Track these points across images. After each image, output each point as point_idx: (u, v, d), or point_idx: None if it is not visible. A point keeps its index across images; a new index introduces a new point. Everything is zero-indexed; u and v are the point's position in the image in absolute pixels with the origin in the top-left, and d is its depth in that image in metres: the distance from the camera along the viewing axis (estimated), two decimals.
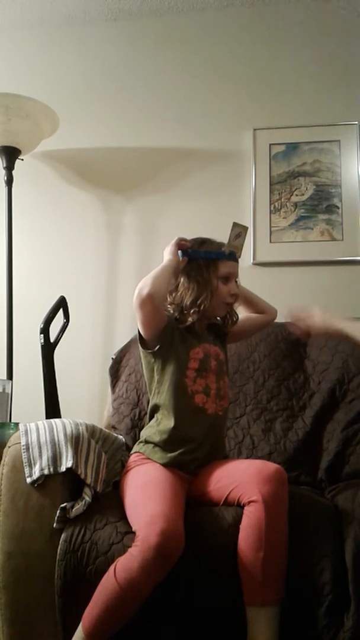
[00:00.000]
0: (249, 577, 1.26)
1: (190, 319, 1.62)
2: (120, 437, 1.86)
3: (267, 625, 1.24)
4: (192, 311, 1.61)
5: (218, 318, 1.74)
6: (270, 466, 1.37)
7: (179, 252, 1.64)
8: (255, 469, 1.38)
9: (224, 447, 1.72)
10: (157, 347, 1.59)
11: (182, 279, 1.65)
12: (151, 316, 1.55)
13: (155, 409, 1.63)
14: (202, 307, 1.61)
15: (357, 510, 1.37)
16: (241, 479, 1.38)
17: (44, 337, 2.14)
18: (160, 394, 1.61)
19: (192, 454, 1.54)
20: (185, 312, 1.63)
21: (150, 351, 1.61)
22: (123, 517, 1.39)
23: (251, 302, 1.82)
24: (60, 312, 2.21)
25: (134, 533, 1.29)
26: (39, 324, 2.15)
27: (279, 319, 2.17)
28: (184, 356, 1.60)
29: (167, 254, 1.64)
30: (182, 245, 1.65)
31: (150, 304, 1.51)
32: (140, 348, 1.64)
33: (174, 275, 1.63)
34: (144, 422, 1.88)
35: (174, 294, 1.65)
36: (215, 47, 2.61)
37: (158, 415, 1.61)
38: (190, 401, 1.57)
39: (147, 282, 1.52)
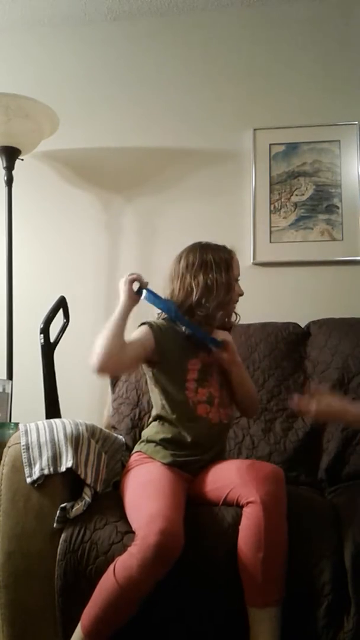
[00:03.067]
0: (249, 578, 1.26)
1: (216, 322, 1.62)
2: (120, 437, 1.86)
3: (268, 625, 1.24)
4: (219, 315, 1.61)
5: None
6: (267, 466, 1.37)
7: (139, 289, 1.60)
8: (252, 469, 1.38)
9: (226, 450, 1.72)
10: (158, 360, 1.60)
11: (199, 281, 1.59)
12: (120, 372, 1.57)
13: (158, 418, 1.62)
14: (227, 310, 1.64)
15: (355, 513, 1.37)
16: (239, 479, 1.38)
17: (44, 337, 2.14)
18: (162, 407, 1.60)
19: (196, 457, 1.54)
20: (213, 317, 1.60)
21: (149, 366, 1.62)
22: (123, 517, 1.39)
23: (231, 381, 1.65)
24: (60, 312, 2.21)
25: (133, 533, 1.29)
26: (39, 324, 2.15)
27: (280, 318, 2.18)
28: (182, 368, 1.59)
29: (121, 292, 1.59)
30: (137, 282, 1.60)
31: (107, 372, 1.54)
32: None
33: (126, 317, 1.56)
34: (144, 422, 1.89)
35: (202, 300, 1.58)
36: (215, 47, 2.61)
37: (161, 422, 1.61)
38: (192, 413, 1.57)
39: (96, 352, 1.47)
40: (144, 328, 1.61)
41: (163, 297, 1.62)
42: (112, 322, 1.53)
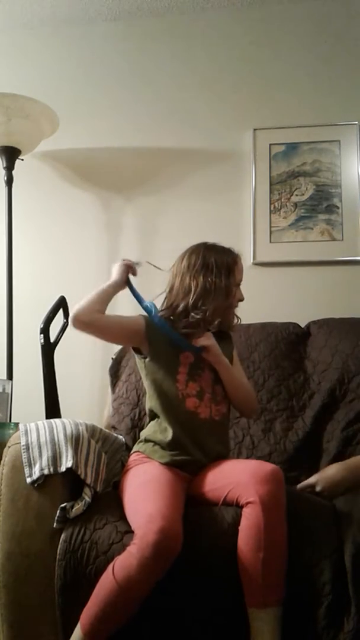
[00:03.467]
0: (249, 578, 1.26)
1: (212, 327, 1.61)
2: (120, 437, 1.86)
3: (268, 626, 1.23)
4: (216, 321, 1.60)
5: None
6: (267, 466, 1.36)
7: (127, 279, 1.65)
8: (251, 469, 1.37)
9: (229, 451, 1.71)
10: (148, 350, 1.60)
11: (199, 283, 1.60)
12: (95, 330, 1.57)
13: (149, 412, 1.63)
14: (226, 315, 1.63)
15: (355, 513, 1.36)
16: (238, 479, 1.37)
17: (44, 337, 2.14)
18: (152, 397, 1.61)
19: (193, 456, 1.53)
20: (209, 321, 1.60)
21: (142, 355, 1.62)
22: (122, 517, 1.39)
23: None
24: (60, 312, 2.21)
25: (133, 532, 1.29)
26: (39, 324, 2.15)
27: (280, 318, 2.18)
28: (174, 360, 1.59)
29: (114, 273, 1.65)
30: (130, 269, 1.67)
31: (82, 324, 1.54)
32: (132, 351, 1.66)
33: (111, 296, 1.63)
34: (144, 422, 1.88)
35: (199, 303, 1.59)
36: (215, 47, 2.61)
37: (157, 418, 1.61)
38: (181, 405, 1.56)
39: (79, 303, 1.55)
40: (137, 315, 1.64)
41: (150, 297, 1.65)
42: (98, 289, 1.60)
